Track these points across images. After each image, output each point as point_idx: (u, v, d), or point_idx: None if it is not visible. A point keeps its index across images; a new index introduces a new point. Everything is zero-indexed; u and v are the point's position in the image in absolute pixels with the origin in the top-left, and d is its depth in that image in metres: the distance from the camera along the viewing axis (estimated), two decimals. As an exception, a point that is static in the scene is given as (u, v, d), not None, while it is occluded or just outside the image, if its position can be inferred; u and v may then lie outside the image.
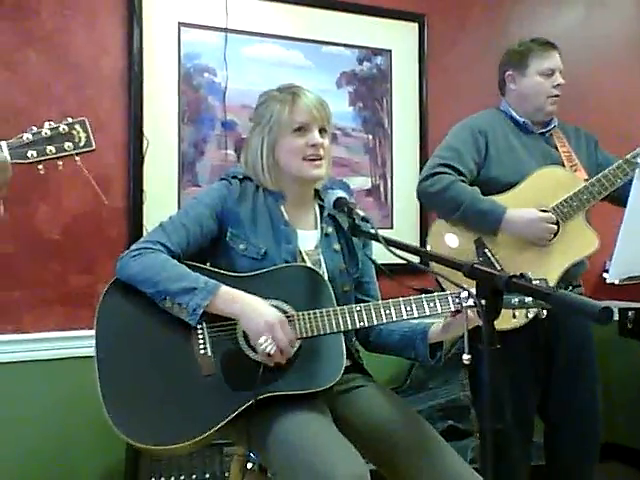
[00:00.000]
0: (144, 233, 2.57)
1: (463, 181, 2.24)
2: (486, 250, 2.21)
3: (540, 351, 2.28)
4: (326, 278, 1.73)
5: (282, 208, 1.80)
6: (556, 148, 2.35)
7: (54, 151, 1.49)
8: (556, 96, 2.33)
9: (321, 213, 1.85)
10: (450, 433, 2.65)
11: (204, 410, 1.58)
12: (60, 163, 1.51)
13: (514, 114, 2.39)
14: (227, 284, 1.63)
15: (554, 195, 2.23)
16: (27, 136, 1.48)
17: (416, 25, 3.15)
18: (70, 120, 1.52)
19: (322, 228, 1.83)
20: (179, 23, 2.73)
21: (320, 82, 2.91)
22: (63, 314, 2.54)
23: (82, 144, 1.52)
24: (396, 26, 3.12)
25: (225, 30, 2.78)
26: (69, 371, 2.48)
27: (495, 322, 1.13)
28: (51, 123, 1.50)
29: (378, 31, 3.09)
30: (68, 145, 1.51)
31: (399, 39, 3.13)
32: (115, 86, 2.64)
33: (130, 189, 2.63)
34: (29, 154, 1.47)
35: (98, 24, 2.63)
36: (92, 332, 1.63)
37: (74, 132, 1.51)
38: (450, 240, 2.25)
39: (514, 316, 1.65)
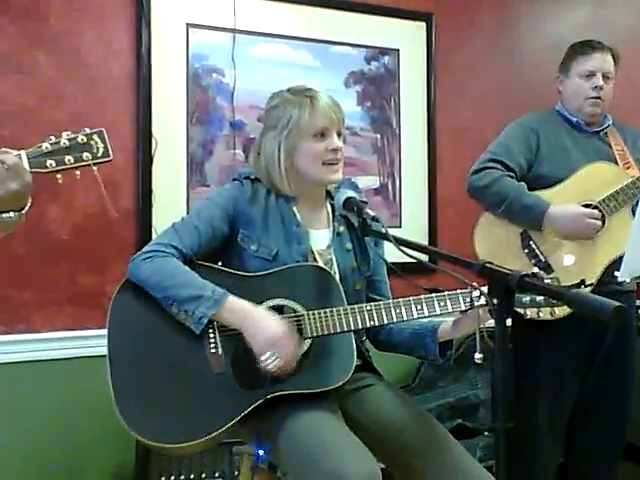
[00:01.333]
0: (153, 234, 2.58)
1: (512, 176, 2.29)
2: (531, 242, 2.26)
3: (585, 342, 2.29)
4: (338, 277, 1.74)
5: (294, 209, 1.80)
6: (610, 146, 2.37)
7: (72, 161, 1.51)
8: (596, 97, 2.35)
9: (333, 212, 1.85)
10: (459, 432, 2.64)
11: (215, 408, 1.59)
12: (78, 173, 1.53)
13: (567, 114, 2.43)
14: (238, 284, 1.65)
15: (601, 190, 2.26)
16: (46, 145, 1.50)
17: (424, 24, 3.14)
18: (88, 130, 1.54)
19: (334, 227, 1.84)
20: (187, 24, 2.73)
21: (328, 82, 2.91)
22: (73, 314, 2.54)
23: (100, 154, 1.54)
24: (404, 25, 3.11)
25: (233, 31, 2.79)
26: (79, 370, 2.49)
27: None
28: (69, 133, 1.52)
29: (386, 31, 3.08)
30: (86, 155, 1.52)
31: (407, 38, 3.12)
32: (124, 87, 2.65)
33: (139, 190, 2.64)
34: (48, 164, 1.49)
35: (107, 26, 2.63)
36: (102, 332, 1.65)
37: (92, 142, 1.53)
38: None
39: (525, 314, 1.65)
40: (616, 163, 2.33)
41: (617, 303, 0.92)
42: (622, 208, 2.25)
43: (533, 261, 2.25)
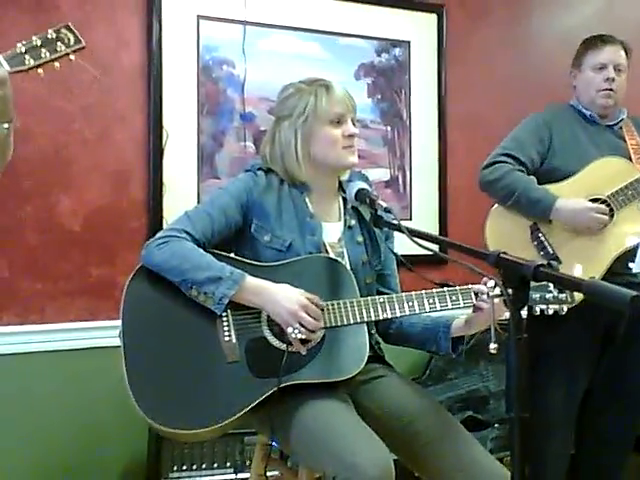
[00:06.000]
0: (164, 225, 2.59)
1: (522, 170, 2.31)
2: (540, 235, 2.28)
3: (599, 333, 2.31)
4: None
5: (307, 200, 1.81)
6: (624, 140, 2.38)
7: (49, 54, 1.57)
8: (608, 89, 2.36)
9: (345, 205, 1.86)
10: (470, 424, 2.65)
11: (228, 396, 1.60)
12: (57, 65, 1.60)
13: (581, 108, 2.44)
14: (251, 274, 1.65)
15: (610, 184, 2.27)
16: (19, 46, 1.56)
17: (435, 16, 3.13)
18: (55, 27, 1.61)
19: (346, 220, 1.84)
20: (198, 16, 2.73)
21: (338, 74, 2.91)
22: (85, 305, 2.56)
23: (72, 43, 1.61)
24: (415, 17, 3.10)
25: (243, 22, 2.79)
26: (91, 361, 2.51)
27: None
28: (37, 34, 1.59)
29: (397, 22, 3.07)
30: (60, 46, 1.59)
31: (418, 30, 3.12)
32: (135, 79, 2.66)
33: (150, 181, 2.65)
34: (26, 60, 1.55)
35: (118, 17, 2.64)
36: (113, 323, 1.66)
37: (62, 35, 1.60)
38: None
39: (531, 311, 1.65)
40: (630, 157, 2.33)
41: (634, 292, 0.92)
42: (631, 202, 2.26)
43: (542, 253, 2.26)
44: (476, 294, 1.64)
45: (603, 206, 2.24)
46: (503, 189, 2.29)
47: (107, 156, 2.61)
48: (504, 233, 2.31)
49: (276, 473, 1.98)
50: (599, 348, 2.33)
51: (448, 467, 1.62)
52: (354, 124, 1.80)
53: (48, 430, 2.48)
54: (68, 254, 2.55)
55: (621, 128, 2.42)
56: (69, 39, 1.60)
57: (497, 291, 1.56)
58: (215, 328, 1.65)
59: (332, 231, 1.82)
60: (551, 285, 1.61)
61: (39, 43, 1.56)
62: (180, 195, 2.66)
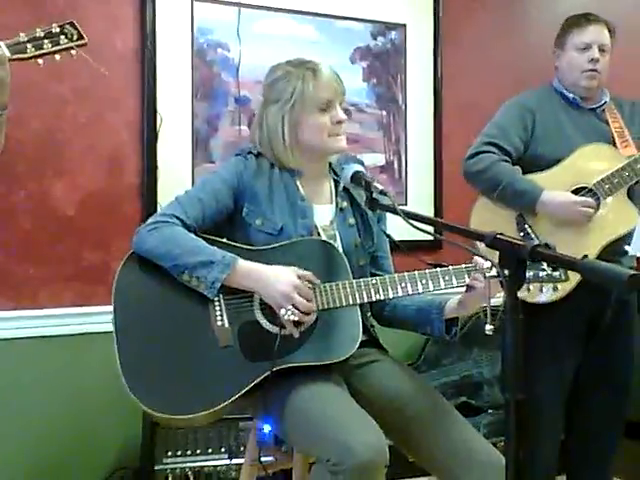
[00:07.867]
0: (158, 210, 2.57)
1: (507, 160, 2.27)
2: (526, 226, 2.26)
3: (585, 319, 2.29)
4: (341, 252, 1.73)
5: (298, 183, 1.80)
6: (607, 124, 2.34)
7: (50, 46, 1.60)
8: (592, 70, 2.31)
9: (336, 188, 1.84)
10: (463, 409, 2.64)
11: (221, 381, 1.59)
12: (58, 57, 1.63)
13: (564, 90, 2.39)
14: (243, 257, 1.64)
15: (596, 172, 2.23)
16: (22, 35, 1.58)
17: (431, -1, 3.11)
18: (59, 23, 1.63)
19: (337, 203, 1.83)
20: (192, -2, 2.71)
21: (334, 57, 2.88)
22: (78, 290, 2.55)
23: (75, 38, 1.64)
24: (411, 0, 3.08)
25: (238, 5, 2.76)
26: (84, 347, 2.51)
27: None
28: (41, 27, 1.61)
29: (393, 5, 3.05)
30: (63, 40, 1.62)
31: (414, 13, 3.09)
32: (128, 63, 2.63)
33: (144, 166, 2.63)
34: (28, 49, 1.58)
35: (111, 0, 2.60)
36: (107, 308, 1.65)
37: (66, 30, 1.63)
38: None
39: (528, 290, 1.64)
40: (614, 141, 2.29)
41: (631, 271, 0.91)
42: (617, 190, 2.22)
43: None
44: (469, 273, 1.63)
45: (589, 199, 2.20)
46: (488, 181, 2.26)
47: (101, 140, 2.59)
48: (490, 224, 2.24)
49: (270, 459, 1.98)
50: (585, 334, 2.32)
51: (442, 451, 1.62)
52: (342, 107, 1.78)
53: (41, 416, 2.47)
54: (61, 239, 2.53)
55: (604, 111, 2.36)
56: (72, 34, 1.62)
57: (493, 272, 1.55)
58: (207, 313, 1.64)
59: (324, 214, 1.81)
60: (544, 263, 1.59)
61: (42, 35, 1.58)
62: (174, 180, 2.64)
